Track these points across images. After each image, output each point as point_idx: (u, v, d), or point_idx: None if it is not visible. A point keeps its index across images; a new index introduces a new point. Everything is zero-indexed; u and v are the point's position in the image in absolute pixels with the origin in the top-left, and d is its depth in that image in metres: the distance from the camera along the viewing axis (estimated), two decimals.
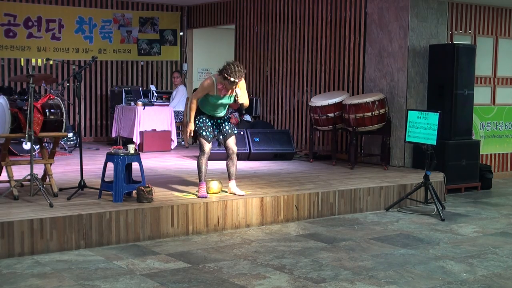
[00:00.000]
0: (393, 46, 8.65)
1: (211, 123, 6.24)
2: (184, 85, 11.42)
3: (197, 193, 6.22)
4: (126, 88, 11.00)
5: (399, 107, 8.59)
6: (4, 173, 6.02)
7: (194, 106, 6.21)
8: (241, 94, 6.14)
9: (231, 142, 6.26)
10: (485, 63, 9.58)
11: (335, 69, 9.64)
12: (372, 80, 8.97)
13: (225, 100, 6.18)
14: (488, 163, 9.62)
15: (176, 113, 10.77)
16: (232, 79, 5.95)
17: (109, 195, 5.95)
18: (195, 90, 13.28)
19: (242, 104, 6.17)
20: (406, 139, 7.32)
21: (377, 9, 8.87)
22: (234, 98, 6.16)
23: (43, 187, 5.71)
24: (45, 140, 7.32)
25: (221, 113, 6.29)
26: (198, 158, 6.23)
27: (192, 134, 6.24)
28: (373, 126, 8.33)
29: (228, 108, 6.35)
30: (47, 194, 5.63)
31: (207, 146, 6.15)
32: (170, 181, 7.08)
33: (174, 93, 11.13)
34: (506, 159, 9.98)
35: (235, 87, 6.06)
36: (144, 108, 9.93)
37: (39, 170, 6.19)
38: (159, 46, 12.25)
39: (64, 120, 6.22)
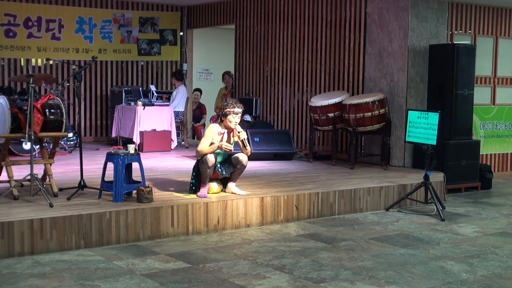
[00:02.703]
0: (393, 46, 8.65)
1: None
2: (184, 85, 11.41)
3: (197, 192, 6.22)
4: (126, 88, 10.99)
5: (399, 107, 8.59)
6: (4, 173, 6.02)
7: (208, 148, 6.14)
8: (240, 130, 6.27)
9: (241, 155, 6.27)
10: (485, 63, 9.58)
11: (335, 69, 9.64)
12: (372, 80, 8.97)
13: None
14: (488, 163, 9.62)
15: (176, 114, 10.77)
16: (235, 109, 6.15)
17: (109, 195, 5.95)
18: (195, 90, 13.25)
19: (245, 140, 6.25)
20: (406, 139, 7.32)
21: (377, 9, 8.87)
22: (237, 138, 6.28)
23: (43, 187, 5.71)
24: (45, 140, 7.32)
25: (221, 159, 6.35)
26: (202, 168, 6.14)
27: (230, 145, 6.20)
28: (373, 126, 8.33)
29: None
30: (47, 194, 5.63)
31: (212, 156, 6.11)
32: (170, 181, 7.08)
33: (174, 93, 11.12)
34: (506, 159, 9.98)
35: (236, 125, 6.21)
36: (144, 108, 9.93)
37: (39, 170, 6.19)
38: (159, 46, 12.25)
39: (64, 120, 6.22)
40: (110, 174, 5.96)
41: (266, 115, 10.92)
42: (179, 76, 11.22)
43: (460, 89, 8.34)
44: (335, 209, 6.81)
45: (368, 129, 8.36)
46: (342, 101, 8.60)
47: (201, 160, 6.14)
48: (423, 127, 7.04)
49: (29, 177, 5.83)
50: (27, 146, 8.23)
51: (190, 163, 8.44)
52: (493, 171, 9.32)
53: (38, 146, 7.76)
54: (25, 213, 5.19)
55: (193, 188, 6.26)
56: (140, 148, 9.77)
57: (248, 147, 6.29)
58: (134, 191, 5.93)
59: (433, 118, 6.94)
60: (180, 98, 10.98)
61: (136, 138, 9.82)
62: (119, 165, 5.81)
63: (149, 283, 4.40)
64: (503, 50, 9.80)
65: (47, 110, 6.07)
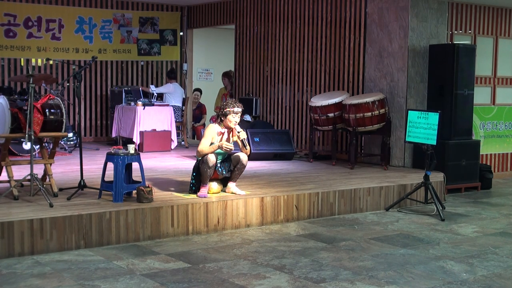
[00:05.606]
0: (393, 46, 8.65)
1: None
2: (181, 85, 11.37)
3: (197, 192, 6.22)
4: (126, 88, 10.99)
5: (399, 107, 8.59)
6: (4, 173, 6.02)
7: (208, 148, 6.14)
8: (240, 130, 6.28)
9: (241, 155, 6.28)
10: (485, 63, 9.58)
11: (335, 69, 9.64)
12: (372, 80, 8.97)
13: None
14: (488, 163, 9.62)
15: (176, 109, 10.76)
16: (235, 109, 6.16)
17: (109, 195, 5.95)
18: (195, 90, 13.23)
19: (245, 139, 6.26)
20: (406, 139, 7.32)
21: (377, 9, 8.87)
22: (237, 138, 6.29)
23: (43, 187, 5.71)
24: (45, 140, 7.32)
25: (221, 159, 6.36)
26: (202, 168, 6.14)
27: (230, 145, 6.18)
28: (373, 126, 8.33)
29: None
30: (47, 194, 5.62)
31: (213, 156, 6.12)
32: (170, 181, 7.08)
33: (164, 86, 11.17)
34: (506, 159, 9.98)
35: (236, 124, 6.22)
36: (144, 108, 9.93)
37: (39, 170, 6.19)
38: (159, 46, 12.25)
39: (64, 120, 6.22)
40: (110, 174, 5.96)
41: (266, 115, 10.92)
42: (171, 74, 11.26)
43: (460, 89, 8.34)
44: (335, 209, 6.81)
45: (368, 129, 8.36)
46: (342, 101, 8.60)
47: (201, 160, 6.14)
48: (423, 127, 7.05)
49: (29, 177, 5.83)
50: (27, 146, 8.22)
51: (190, 163, 8.44)
52: (493, 171, 9.33)
53: (38, 146, 7.76)
54: (25, 213, 5.19)
55: (193, 188, 6.26)
56: (140, 148, 9.78)
57: (248, 147, 6.29)
58: (134, 191, 5.93)
59: (433, 118, 6.94)
60: (165, 89, 10.94)
61: (136, 138, 9.82)
62: (119, 165, 5.81)
63: (149, 283, 4.40)
64: (503, 50, 9.80)
65: (47, 110, 6.07)
